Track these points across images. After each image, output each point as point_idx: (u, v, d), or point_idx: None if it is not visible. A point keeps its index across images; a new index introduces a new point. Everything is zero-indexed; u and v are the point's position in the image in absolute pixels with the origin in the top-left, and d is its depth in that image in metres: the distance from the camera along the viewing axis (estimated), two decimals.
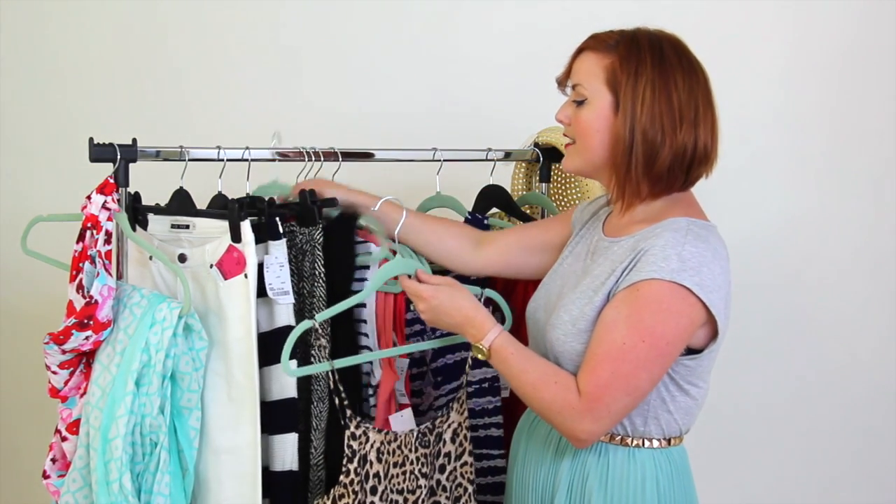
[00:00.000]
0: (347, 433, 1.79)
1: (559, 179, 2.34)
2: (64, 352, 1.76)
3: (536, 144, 2.28)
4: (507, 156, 2.25)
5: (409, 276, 1.84)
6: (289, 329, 1.80)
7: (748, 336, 2.53)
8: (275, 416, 1.82)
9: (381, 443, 1.83)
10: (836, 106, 2.65)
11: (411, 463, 1.87)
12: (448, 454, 1.93)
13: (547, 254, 1.92)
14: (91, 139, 1.78)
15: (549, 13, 2.71)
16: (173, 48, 2.91)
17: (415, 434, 1.87)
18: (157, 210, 1.85)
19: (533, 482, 1.82)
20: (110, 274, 1.77)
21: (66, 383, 1.82)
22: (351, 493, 1.79)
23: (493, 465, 2.08)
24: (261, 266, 1.80)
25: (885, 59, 2.61)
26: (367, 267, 1.93)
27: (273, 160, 1.95)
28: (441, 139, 2.14)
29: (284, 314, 1.82)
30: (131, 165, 1.81)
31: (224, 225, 1.77)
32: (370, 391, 1.94)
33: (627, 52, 1.70)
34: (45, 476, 1.87)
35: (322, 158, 1.97)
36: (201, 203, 1.89)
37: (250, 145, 1.91)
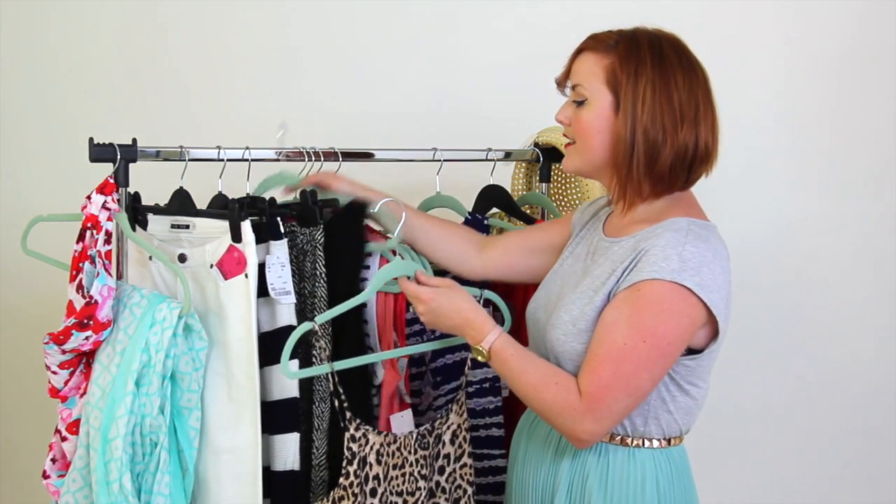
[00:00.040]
0: (347, 435, 1.79)
1: (559, 179, 2.34)
2: (64, 352, 1.76)
3: (536, 144, 2.28)
4: (507, 156, 2.25)
5: (409, 278, 1.84)
6: (290, 329, 1.79)
7: (748, 336, 2.53)
8: (276, 416, 1.82)
9: (381, 445, 1.83)
10: (836, 106, 2.65)
11: (411, 465, 1.87)
12: (447, 456, 1.93)
13: (548, 255, 1.92)
14: (91, 139, 1.78)
15: (550, 13, 2.71)
16: (173, 48, 2.91)
17: (414, 436, 1.87)
18: (157, 210, 1.85)
19: (533, 482, 1.82)
20: (110, 274, 1.77)
21: (66, 383, 1.82)
22: (351, 496, 1.79)
23: (493, 465, 2.08)
24: (262, 266, 1.80)
25: (885, 59, 2.61)
26: (368, 267, 1.93)
27: (273, 160, 1.95)
28: (441, 139, 2.14)
29: (286, 314, 1.82)
30: (131, 165, 1.81)
31: (224, 225, 1.77)
32: (372, 391, 1.94)
33: (627, 51, 1.70)
34: (45, 476, 1.87)
35: (322, 158, 1.97)
36: (201, 203, 1.89)
37: (250, 145, 1.91)
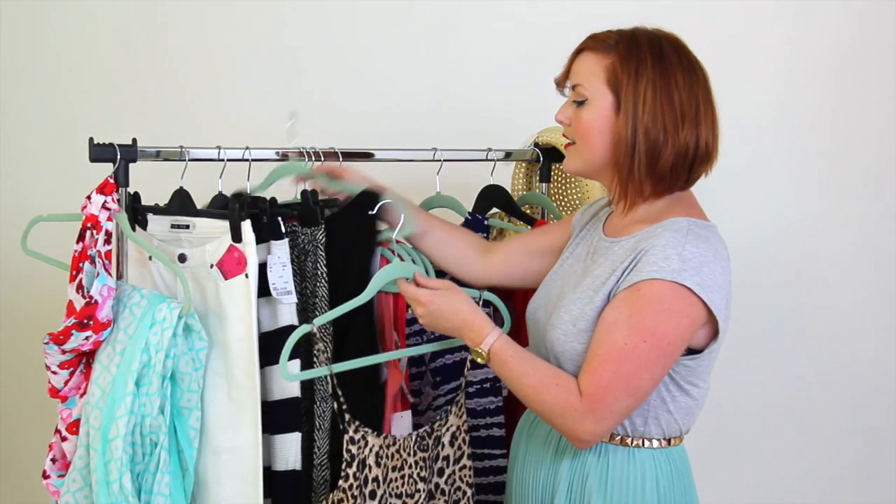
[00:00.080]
0: (346, 437, 1.79)
1: (559, 179, 2.34)
2: (64, 352, 1.76)
3: (536, 144, 2.27)
4: (508, 156, 2.25)
5: (408, 280, 1.84)
6: (292, 328, 1.79)
7: (748, 336, 2.53)
8: (277, 416, 1.82)
9: (380, 447, 1.82)
10: (836, 106, 2.65)
11: (410, 467, 1.87)
12: (447, 458, 1.93)
13: (548, 258, 1.92)
14: (91, 139, 1.78)
15: (550, 13, 2.71)
16: (173, 48, 2.91)
17: (413, 438, 1.87)
18: (157, 210, 1.85)
19: (533, 482, 1.82)
20: (110, 274, 1.77)
21: (66, 383, 1.82)
22: (350, 498, 1.78)
23: (494, 465, 2.08)
24: (263, 266, 1.80)
25: (885, 59, 2.61)
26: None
27: (274, 160, 1.95)
28: (441, 139, 2.13)
29: (287, 314, 1.82)
30: (131, 165, 1.81)
31: (224, 225, 1.77)
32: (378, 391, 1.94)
33: (627, 51, 1.70)
34: (45, 476, 1.87)
35: (322, 158, 1.97)
36: (201, 203, 1.89)
37: (250, 145, 1.91)
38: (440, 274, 1.98)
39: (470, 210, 2.18)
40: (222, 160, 1.88)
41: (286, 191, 1.97)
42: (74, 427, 1.81)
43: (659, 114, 1.67)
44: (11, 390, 3.02)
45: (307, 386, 1.85)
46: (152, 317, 1.74)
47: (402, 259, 1.89)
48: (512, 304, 2.02)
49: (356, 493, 1.79)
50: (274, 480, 1.82)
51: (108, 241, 1.79)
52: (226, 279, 1.77)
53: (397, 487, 1.85)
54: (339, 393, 1.78)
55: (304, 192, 1.89)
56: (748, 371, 2.67)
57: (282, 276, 1.81)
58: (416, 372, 2.07)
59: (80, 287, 1.78)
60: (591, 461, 1.74)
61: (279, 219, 1.82)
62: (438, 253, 1.97)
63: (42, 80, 2.98)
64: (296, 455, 1.82)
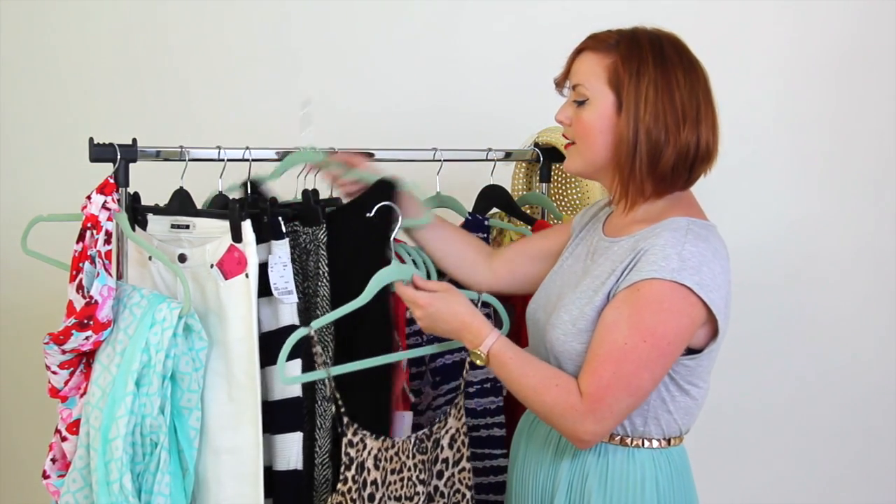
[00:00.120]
0: (345, 440, 1.78)
1: (559, 179, 2.34)
2: (64, 352, 1.76)
3: (536, 144, 2.28)
4: (508, 156, 2.25)
5: (406, 283, 1.83)
6: (293, 328, 1.79)
7: (748, 336, 2.53)
8: (278, 416, 1.82)
9: (379, 449, 1.82)
10: (837, 106, 2.65)
11: (409, 469, 1.86)
12: (446, 460, 1.92)
13: (550, 261, 1.91)
14: (91, 139, 1.78)
15: (550, 12, 2.71)
16: (173, 48, 2.91)
17: (412, 440, 1.87)
18: (157, 210, 1.85)
19: (533, 482, 1.82)
20: (110, 274, 1.77)
21: (66, 383, 1.82)
22: (349, 501, 1.78)
23: (495, 465, 2.08)
24: (264, 266, 1.80)
25: (885, 59, 2.61)
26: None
27: (274, 160, 1.95)
28: (441, 139, 2.13)
29: (288, 314, 1.82)
30: (131, 165, 1.81)
31: (224, 225, 1.77)
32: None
33: (629, 51, 1.70)
34: (45, 476, 1.87)
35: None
36: (201, 203, 1.89)
37: (250, 145, 1.91)
38: (440, 276, 1.98)
39: (470, 210, 2.18)
40: (222, 160, 1.88)
41: (287, 190, 1.97)
42: (74, 427, 1.81)
43: (661, 113, 1.67)
44: (11, 390, 3.02)
45: (309, 385, 1.85)
46: (152, 317, 1.74)
47: (403, 261, 1.89)
48: (512, 305, 2.02)
49: (355, 496, 1.79)
50: (275, 480, 1.82)
51: (108, 241, 1.79)
52: (226, 279, 1.77)
53: (396, 490, 1.85)
54: (338, 396, 1.78)
55: (304, 192, 1.89)
56: (748, 371, 2.67)
57: (283, 276, 1.81)
58: (416, 372, 2.08)
59: (80, 287, 1.78)
60: (590, 461, 1.74)
61: (279, 218, 1.82)
62: (445, 256, 1.97)
63: (42, 80, 2.99)
64: (297, 455, 1.82)
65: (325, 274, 1.85)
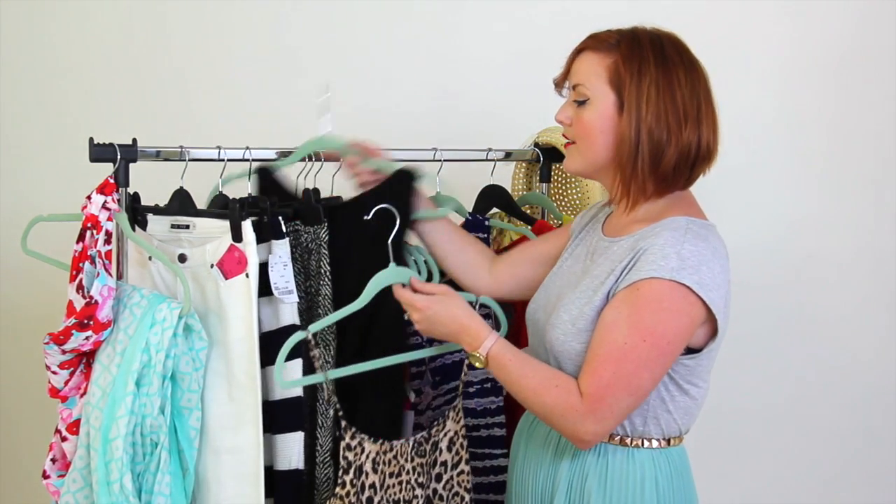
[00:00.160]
0: (343, 444, 1.78)
1: (559, 179, 2.34)
2: (64, 352, 1.76)
3: (536, 144, 2.28)
4: (508, 156, 2.25)
5: (404, 286, 1.83)
6: (293, 328, 1.80)
7: (748, 336, 2.53)
8: (278, 416, 1.82)
9: (377, 453, 1.82)
10: (836, 106, 2.65)
11: (407, 473, 1.86)
12: (444, 463, 1.92)
13: (550, 265, 1.90)
14: (91, 139, 1.78)
15: (551, 12, 2.71)
16: (174, 48, 2.91)
17: (411, 444, 1.86)
18: (157, 210, 1.85)
19: (532, 482, 1.82)
20: (110, 274, 1.77)
21: (66, 383, 1.82)
22: None
23: (495, 465, 2.08)
24: (264, 266, 1.80)
25: (885, 59, 2.61)
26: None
27: (274, 160, 1.95)
28: (441, 139, 2.13)
29: (289, 313, 1.82)
30: (131, 165, 1.81)
31: (225, 225, 1.77)
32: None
33: (629, 50, 1.70)
34: (45, 476, 1.87)
35: (322, 159, 1.97)
36: (201, 203, 1.89)
37: (250, 145, 1.91)
38: (441, 276, 1.98)
39: (470, 210, 2.18)
40: (222, 160, 1.88)
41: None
42: (74, 427, 1.81)
43: (662, 113, 1.67)
44: (11, 390, 3.02)
45: (310, 384, 1.85)
46: (152, 317, 1.74)
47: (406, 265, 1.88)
48: (512, 306, 2.02)
49: (353, 500, 1.78)
50: (276, 480, 1.82)
51: (108, 241, 1.79)
52: (226, 279, 1.77)
53: (395, 494, 1.85)
54: (335, 399, 1.78)
55: (305, 191, 1.89)
56: (748, 371, 2.67)
57: (283, 276, 1.81)
58: (416, 371, 2.07)
59: (80, 287, 1.78)
60: (590, 461, 1.74)
61: (279, 218, 1.82)
62: (448, 256, 1.97)
63: (42, 80, 2.99)
64: (298, 454, 1.81)
65: (327, 273, 1.85)
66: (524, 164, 2.35)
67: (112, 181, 1.79)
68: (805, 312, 2.70)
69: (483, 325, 1.75)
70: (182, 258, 1.82)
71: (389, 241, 1.82)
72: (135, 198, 1.85)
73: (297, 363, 1.80)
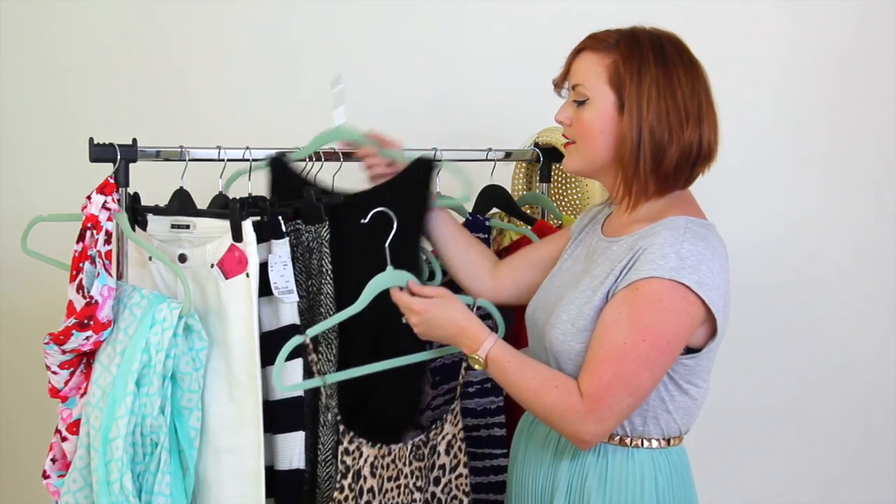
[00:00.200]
0: (341, 448, 1.78)
1: (559, 179, 2.34)
2: (64, 352, 1.76)
3: (536, 144, 2.28)
4: (508, 156, 2.25)
5: (401, 289, 1.82)
6: (293, 328, 1.80)
7: (748, 336, 2.53)
8: (279, 415, 1.82)
9: (375, 457, 1.82)
10: (836, 106, 2.65)
11: (406, 477, 1.86)
12: (443, 466, 1.92)
13: (550, 269, 1.90)
14: (91, 139, 1.78)
15: (551, 12, 2.71)
16: (174, 48, 2.91)
17: (409, 447, 1.86)
18: (157, 210, 1.85)
19: (532, 482, 1.82)
20: (110, 274, 1.77)
21: (66, 383, 1.82)
22: None
23: (495, 465, 2.08)
24: (264, 265, 1.80)
25: (885, 59, 2.61)
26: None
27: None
28: (441, 139, 2.13)
29: (289, 313, 1.82)
30: (131, 165, 1.81)
31: (225, 224, 1.77)
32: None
33: (629, 50, 1.70)
34: (45, 476, 1.87)
35: (323, 158, 1.97)
36: (201, 203, 1.89)
37: (250, 145, 1.91)
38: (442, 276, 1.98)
39: (470, 210, 2.18)
40: (222, 160, 1.88)
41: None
42: (74, 427, 1.82)
43: (664, 112, 1.67)
44: (11, 390, 3.02)
45: None
46: (152, 317, 1.74)
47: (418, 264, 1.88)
48: (512, 309, 2.01)
49: None
50: (276, 480, 1.82)
51: (108, 242, 1.79)
52: (226, 279, 1.77)
53: (393, 498, 1.84)
54: (333, 404, 1.78)
55: (306, 190, 1.89)
56: (748, 371, 2.67)
57: (283, 276, 1.81)
58: None
59: (80, 287, 1.78)
60: (590, 461, 1.74)
61: (279, 218, 1.82)
62: (452, 256, 1.97)
63: (42, 80, 2.98)
64: (299, 454, 1.81)
65: (329, 272, 1.85)
66: (524, 164, 2.35)
67: (112, 181, 1.79)
68: (805, 312, 2.70)
69: (482, 328, 1.75)
70: (182, 258, 1.82)
71: (386, 244, 1.80)
72: (135, 198, 1.85)
73: (298, 363, 1.80)
